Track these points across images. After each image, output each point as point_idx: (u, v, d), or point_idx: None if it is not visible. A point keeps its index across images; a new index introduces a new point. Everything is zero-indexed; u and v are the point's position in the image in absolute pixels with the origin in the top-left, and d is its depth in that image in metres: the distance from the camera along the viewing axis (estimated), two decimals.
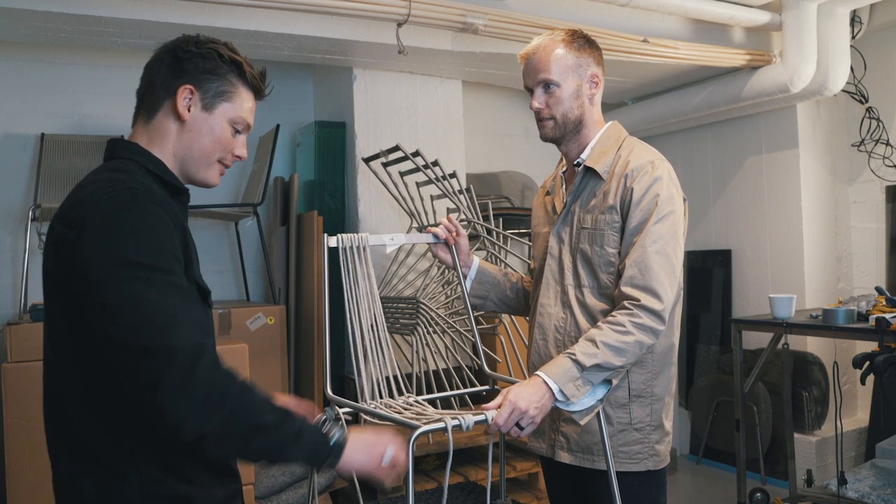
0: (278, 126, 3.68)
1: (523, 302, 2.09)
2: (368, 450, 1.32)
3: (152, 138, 1.35)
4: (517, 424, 1.58)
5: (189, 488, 1.26)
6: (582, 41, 1.83)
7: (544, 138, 1.88)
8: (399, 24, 2.89)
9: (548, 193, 2.00)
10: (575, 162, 1.88)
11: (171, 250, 1.20)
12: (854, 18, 3.93)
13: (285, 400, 1.52)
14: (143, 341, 1.11)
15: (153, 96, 1.34)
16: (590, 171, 1.83)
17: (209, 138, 1.36)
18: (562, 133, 1.84)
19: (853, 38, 3.92)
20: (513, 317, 3.26)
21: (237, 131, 1.40)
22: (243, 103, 1.39)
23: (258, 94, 1.43)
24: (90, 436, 1.21)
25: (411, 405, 1.80)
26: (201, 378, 1.13)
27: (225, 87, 1.36)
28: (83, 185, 1.26)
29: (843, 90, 3.88)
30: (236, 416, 1.16)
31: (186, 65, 1.33)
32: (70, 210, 1.21)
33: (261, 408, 1.20)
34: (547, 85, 1.81)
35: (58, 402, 1.26)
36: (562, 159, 1.97)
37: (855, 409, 4.23)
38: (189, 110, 1.33)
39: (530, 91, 1.86)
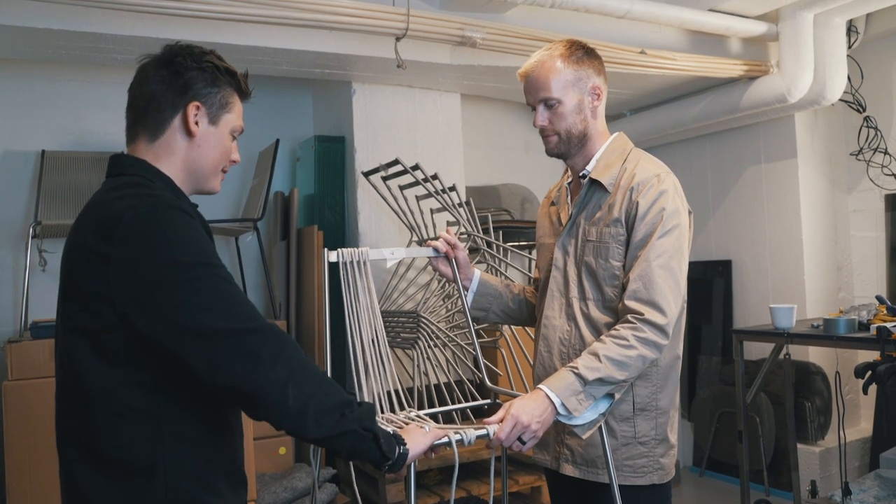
0: (278, 141, 3.69)
1: (526, 312, 2.09)
2: (416, 431, 1.44)
3: (159, 155, 1.36)
4: (519, 439, 1.58)
5: (210, 498, 1.28)
6: (581, 53, 1.82)
7: (550, 153, 1.88)
8: (397, 39, 2.90)
9: (553, 204, 2.00)
10: (580, 174, 1.88)
11: (214, 251, 1.28)
12: (850, 28, 3.95)
13: None
14: (234, 325, 1.19)
15: (158, 114, 1.35)
16: (595, 184, 1.83)
17: (217, 150, 1.40)
18: (566, 148, 1.84)
19: (850, 47, 3.93)
20: (514, 330, 3.26)
21: (233, 138, 1.45)
22: (238, 111, 1.44)
23: (246, 97, 1.47)
24: (120, 445, 1.23)
25: (413, 420, 1.80)
26: (291, 352, 1.23)
27: (225, 98, 1.40)
28: (106, 201, 1.28)
29: (840, 99, 3.89)
30: (327, 387, 1.25)
31: (189, 80, 1.35)
32: (104, 227, 1.22)
33: (339, 386, 1.28)
34: (548, 102, 1.81)
35: (80, 414, 1.26)
36: (567, 170, 1.97)
37: (858, 419, 4.22)
38: (198, 125, 1.36)
39: (533, 108, 1.86)
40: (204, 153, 1.38)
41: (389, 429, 1.36)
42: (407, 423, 1.76)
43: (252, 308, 1.24)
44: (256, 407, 1.21)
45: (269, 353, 1.20)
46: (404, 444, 1.36)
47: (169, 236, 1.21)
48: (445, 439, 1.51)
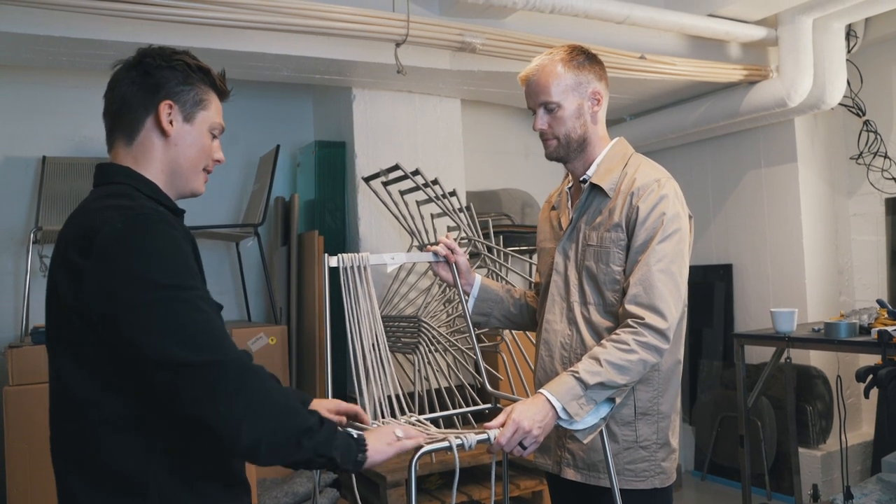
0: (278, 146, 3.69)
1: (527, 317, 2.09)
2: (384, 438, 1.40)
3: (138, 158, 1.35)
4: (520, 444, 1.57)
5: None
6: (582, 58, 1.83)
7: (549, 157, 1.88)
8: (397, 44, 2.91)
9: (553, 208, 2.00)
10: (581, 178, 1.88)
11: (192, 268, 1.25)
12: (849, 32, 3.95)
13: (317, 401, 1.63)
14: (196, 357, 1.17)
15: (131, 116, 1.34)
16: (596, 188, 1.83)
17: (194, 149, 1.38)
18: (566, 152, 1.85)
19: (849, 51, 3.94)
20: (514, 334, 3.26)
21: (214, 136, 1.42)
22: (216, 108, 1.42)
23: (224, 96, 1.45)
24: (112, 456, 1.22)
25: (413, 425, 1.80)
26: (253, 385, 1.20)
27: (199, 95, 1.38)
28: (88, 211, 1.27)
29: (840, 104, 3.89)
30: (285, 419, 1.22)
31: (159, 79, 1.34)
32: (82, 239, 1.21)
33: (303, 411, 1.27)
34: (548, 106, 1.81)
35: (71, 425, 1.26)
36: (567, 175, 1.97)
37: (860, 423, 4.22)
38: (171, 124, 1.35)
39: (533, 111, 1.86)
40: (181, 151, 1.36)
41: (354, 433, 1.36)
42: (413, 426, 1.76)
43: (218, 336, 1.21)
44: (214, 436, 1.20)
45: (227, 388, 1.17)
46: (364, 452, 1.34)
47: (143, 253, 1.19)
48: (446, 443, 1.51)
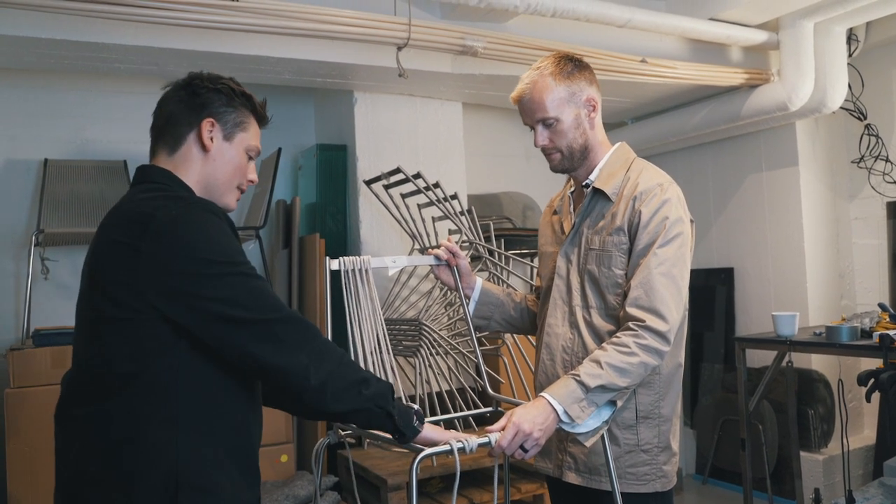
0: (280, 149, 3.70)
1: (528, 321, 2.09)
2: (438, 428, 1.55)
3: (178, 167, 1.45)
4: (521, 447, 1.57)
5: (223, 479, 1.33)
6: (570, 66, 1.82)
7: (555, 170, 1.89)
8: (399, 48, 2.91)
9: (555, 212, 2.00)
10: (584, 183, 1.88)
11: (241, 250, 1.38)
12: (851, 36, 3.96)
13: None
14: (261, 315, 1.31)
15: (175, 130, 1.45)
16: (598, 193, 1.83)
17: (231, 166, 1.49)
18: (570, 163, 1.85)
19: (850, 55, 3.94)
20: (516, 337, 3.26)
21: (250, 158, 1.53)
22: (254, 132, 1.53)
23: (263, 122, 1.56)
24: (136, 429, 1.28)
25: None
26: (313, 334, 1.36)
27: (240, 118, 1.49)
28: (137, 202, 1.35)
29: (841, 107, 3.89)
30: (345, 368, 1.37)
31: (205, 99, 1.45)
32: (134, 224, 1.30)
33: (357, 365, 1.44)
34: (546, 122, 1.81)
35: (96, 397, 1.30)
36: (569, 179, 1.97)
37: (861, 427, 4.21)
38: (212, 140, 1.45)
39: (531, 128, 1.86)
40: (219, 167, 1.47)
41: (415, 406, 1.50)
42: None
43: (276, 299, 1.35)
44: (281, 384, 1.34)
45: (292, 339, 1.32)
46: (422, 422, 1.49)
47: (199, 235, 1.30)
48: (447, 447, 1.51)
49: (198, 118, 1.44)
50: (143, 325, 1.28)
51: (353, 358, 1.81)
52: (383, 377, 1.84)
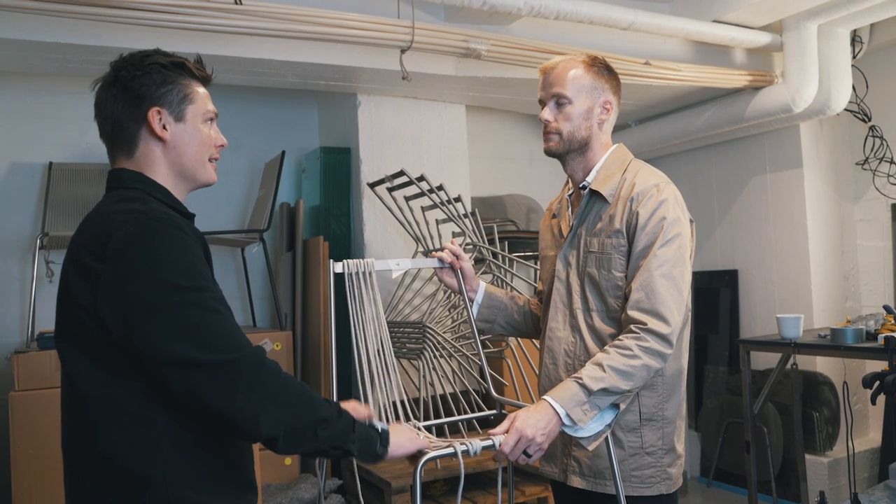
0: (283, 152, 3.70)
1: (531, 324, 2.09)
2: (406, 433, 1.48)
3: (143, 167, 1.37)
4: (524, 452, 1.57)
5: (212, 500, 1.29)
6: (602, 67, 1.86)
7: (548, 152, 1.88)
8: (402, 51, 2.91)
9: (554, 216, 2.00)
10: (581, 185, 1.88)
11: (203, 271, 1.28)
12: (855, 38, 3.95)
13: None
14: (211, 356, 1.21)
15: (124, 133, 1.37)
16: (595, 195, 1.83)
17: (194, 144, 1.40)
18: (565, 149, 1.85)
19: (854, 57, 3.93)
20: (520, 340, 3.25)
21: (210, 121, 1.44)
22: (202, 97, 1.42)
23: (206, 81, 1.46)
24: (120, 453, 1.24)
25: (420, 430, 1.79)
26: (267, 379, 1.25)
27: (182, 91, 1.39)
28: (101, 215, 1.30)
29: (845, 109, 3.89)
30: (302, 410, 1.27)
31: (139, 89, 1.35)
32: (96, 242, 1.24)
33: (319, 402, 1.32)
34: (559, 100, 1.82)
35: (83, 425, 1.28)
36: (567, 182, 1.97)
37: (867, 430, 4.20)
38: (165, 129, 1.36)
39: (542, 104, 1.87)
40: (183, 151, 1.39)
41: (379, 426, 1.41)
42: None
43: (232, 335, 1.25)
44: (230, 430, 1.25)
45: (243, 384, 1.22)
46: (386, 446, 1.41)
47: (157, 256, 1.22)
48: (451, 450, 1.51)
49: (141, 112, 1.35)
50: (106, 347, 1.23)
51: (357, 360, 1.80)
52: (386, 380, 1.84)
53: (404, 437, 1.46)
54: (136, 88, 1.35)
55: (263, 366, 1.25)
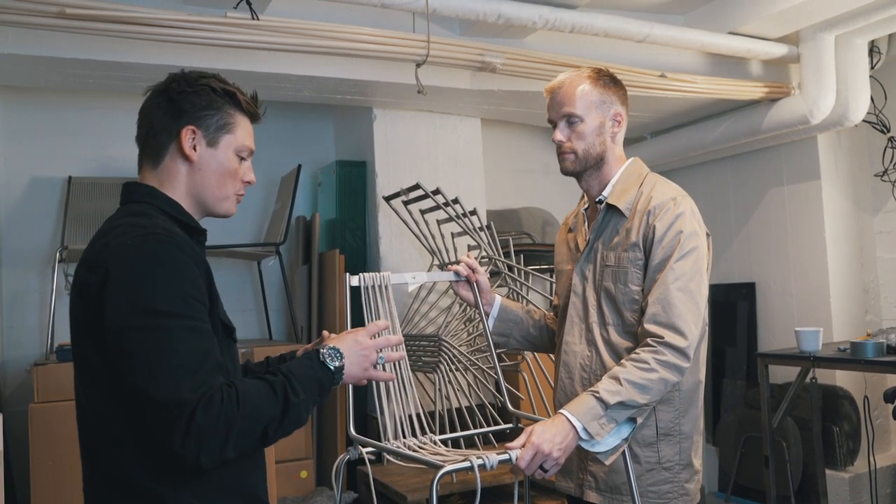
0: (300, 166, 3.72)
1: (546, 339, 2.08)
2: (361, 363, 1.40)
3: (163, 181, 1.37)
4: (541, 467, 1.56)
5: None
6: (607, 79, 1.85)
7: (564, 172, 1.88)
8: (418, 65, 2.93)
9: (570, 230, 2.00)
10: (597, 199, 1.88)
11: (193, 294, 1.23)
12: (872, 49, 3.92)
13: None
14: (157, 394, 1.14)
15: (156, 142, 1.37)
16: (612, 209, 1.83)
17: (219, 173, 1.38)
18: (582, 167, 1.85)
19: (872, 68, 3.91)
20: (536, 354, 3.24)
21: (242, 159, 1.42)
22: (243, 131, 1.41)
23: (254, 118, 1.46)
24: (128, 470, 1.24)
25: (436, 444, 1.79)
26: (204, 422, 1.14)
27: (224, 119, 1.38)
28: (106, 230, 1.30)
29: (864, 120, 3.85)
30: (246, 429, 1.19)
31: (183, 104, 1.35)
32: (94, 256, 1.25)
33: (262, 408, 1.21)
34: (570, 119, 1.82)
35: (94, 438, 1.28)
36: (583, 196, 1.97)
37: (888, 445, 4.14)
38: (195, 150, 1.36)
39: (553, 124, 1.87)
40: (206, 177, 1.37)
41: (331, 364, 1.34)
42: (424, 446, 1.75)
43: (187, 371, 1.16)
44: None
45: (180, 427, 1.13)
46: (339, 381, 1.36)
47: (142, 274, 1.19)
48: (467, 463, 1.50)
49: (177, 127, 1.34)
50: (101, 365, 1.23)
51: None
52: (402, 394, 1.84)
53: (358, 368, 1.40)
54: (180, 102, 1.35)
55: (197, 412, 1.14)
